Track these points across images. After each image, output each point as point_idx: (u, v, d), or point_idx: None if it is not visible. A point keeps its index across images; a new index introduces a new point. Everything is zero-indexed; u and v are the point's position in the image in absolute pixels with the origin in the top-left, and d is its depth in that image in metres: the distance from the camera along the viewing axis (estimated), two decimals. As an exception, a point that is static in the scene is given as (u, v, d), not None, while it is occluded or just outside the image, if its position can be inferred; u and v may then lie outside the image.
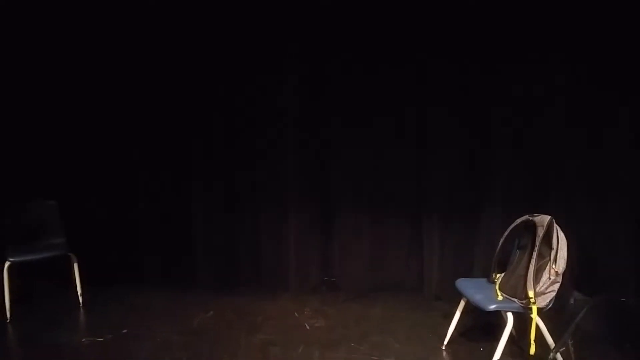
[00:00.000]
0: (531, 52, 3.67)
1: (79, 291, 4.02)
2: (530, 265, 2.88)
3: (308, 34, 4.05)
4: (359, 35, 3.99)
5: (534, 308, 2.80)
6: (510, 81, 3.77)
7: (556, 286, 2.84)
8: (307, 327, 3.66)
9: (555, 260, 2.82)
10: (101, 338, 3.48)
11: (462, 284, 3.20)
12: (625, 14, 3.41)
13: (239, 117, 4.26)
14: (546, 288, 2.84)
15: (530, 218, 2.99)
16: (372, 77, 4.04)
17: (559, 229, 2.88)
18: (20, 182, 4.29)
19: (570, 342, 2.75)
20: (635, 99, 3.47)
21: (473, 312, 3.21)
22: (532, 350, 2.78)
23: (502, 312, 3.05)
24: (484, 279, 3.23)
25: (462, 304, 3.21)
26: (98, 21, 4.21)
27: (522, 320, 2.96)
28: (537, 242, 2.88)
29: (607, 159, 3.60)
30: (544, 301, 2.84)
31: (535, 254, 2.88)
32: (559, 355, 2.79)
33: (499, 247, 3.10)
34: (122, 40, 4.23)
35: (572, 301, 3.48)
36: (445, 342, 3.31)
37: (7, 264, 3.75)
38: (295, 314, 3.87)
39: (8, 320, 3.74)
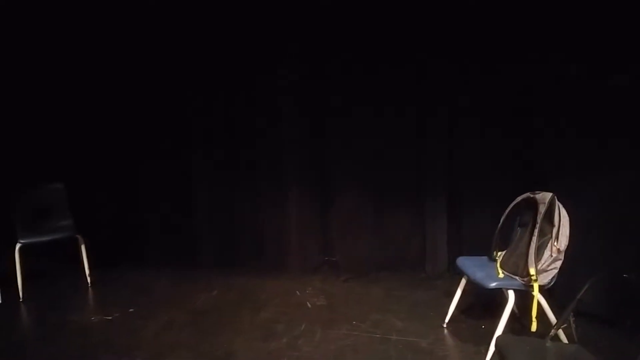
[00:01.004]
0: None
1: (87, 272, 4.11)
2: (532, 243, 2.84)
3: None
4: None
5: (536, 285, 2.77)
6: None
7: (558, 264, 2.81)
8: (309, 305, 3.69)
9: (557, 238, 2.79)
10: (109, 317, 3.57)
11: (463, 262, 3.18)
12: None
13: (240, 97, 4.28)
14: (548, 265, 2.80)
15: (532, 195, 2.94)
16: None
17: (561, 206, 2.83)
18: (29, 166, 4.37)
19: (572, 319, 2.72)
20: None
21: (474, 290, 3.20)
22: (534, 328, 2.76)
23: (504, 290, 3.03)
24: (485, 257, 3.18)
25: (463, 282, 3.20)
26: (105, 14, 4.26)
27: (524, 298, 2.93)
28: (539, 220, 2.83)
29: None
30: (546, 279, 2.81)
31: (536, 231, 2.83)
32: (560, 332, 2.77)
33: (499, 224, 3.07)
34: (128, 29, 4.29)
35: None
36: (447, 320, 3.31)
37: (18, 246, 3.84)
38: (297, 293, 3.90)
39: (21, 300, 3.84)
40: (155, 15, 4.20)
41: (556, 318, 2.89)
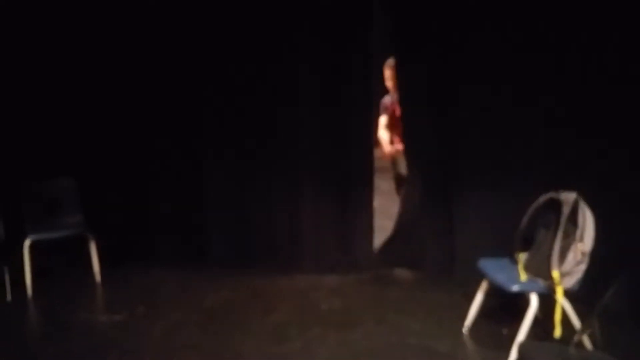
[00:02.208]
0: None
1: (96, 269, 4.06)
2: (555, 245, 2.76)
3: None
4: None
5: (559, 289, 2.69)
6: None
7: (583, 266, 2.72)
8: (323, 307, 3.60)
9: (581, 239, 2.70)
10: (117, 316, 3.52)
11: (485, 263, 3.09)
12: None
13: (249, 89, 4.21)
14: (572, 268, 2.72)
15: (555, 195, 2.86)
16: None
17: (585, 206, 2.75)
18: (39, 162, 4.35)
19: (597, 324, 2.64)
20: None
21: (496, 293, 3.10)
22: (558, 333, 2.68)
23: (526, 293, 2.94)
24: (507, 259, 3.10)
25: (484, 284, 3.11)
26: (114, 9, 4.26)
27: (547, 301, 2.83)
28: (562, 221, 2.75)
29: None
30: (570, 282, 2.72)
31: (560, 232, 2.75)
32: (585, 338, 2.68)
33: (522, 225, 2.99)
34: (138, 26, 4.28)
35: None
36: (467, 324, 3.21)
37: (27, 242, 3.79)
38: (311, 294, 3.81)
39: (30, 298, 3.80)
40: (163, 7, 4.19)
41: (581, 323, 2.81)
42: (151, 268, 4.34)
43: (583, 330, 2.68)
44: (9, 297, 3.75)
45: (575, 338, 2.56)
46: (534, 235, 3.02)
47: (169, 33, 4.23)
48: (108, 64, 4.38)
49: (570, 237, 2.74)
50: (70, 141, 4.48)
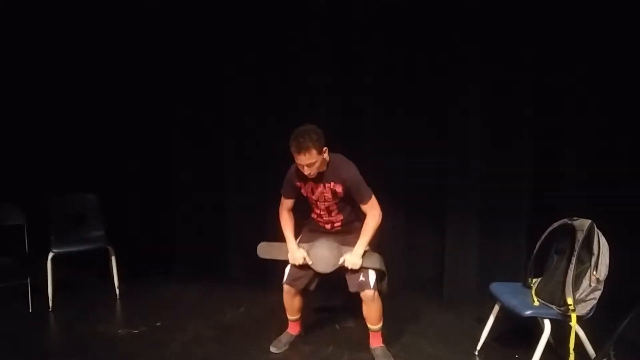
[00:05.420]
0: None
1: (116, 283, 4.13)
2: (569, 271, 2.75)
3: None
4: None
5: (573, 316, 2.68)
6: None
7: (597, 294, 2.72)
8: (337, 327, 3.62)
9: (596, 267, 2.70)
10: (136, 330, 3.57)
11: (497, 288, 3.10)
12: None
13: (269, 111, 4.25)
14: (586, 295, 2.71)
15: (569, 222, 2.86)
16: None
17: (600, 233, 2.74)
18: (63, 177, 4.47)
19: (612, 353, 2.62)
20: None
21: (508, 317, 3.10)
22: (572, 361, 2.65)
23: (539, 319, 2.93)
24: (519, 284, 3.12)
25: (496, 308, 3.11)
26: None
27: (560, 328, 2.83)
28: (577, 247, 2.75)
29: None
30: (585, 309, 2.72)
31: (574, 259, 2.74)
32: (600, 366, 2.67)
33: (535, 250, 3.00)
34: (168, 44, 4.37)
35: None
36: (479, 347, 3.20)
37: (50, 255, 3.88)
38: (326, 313, 3.82)
39: (50, 310, 3.88)
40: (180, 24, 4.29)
41: (595, 351, 2.80)
42: (170, 283, 4.42)
43: (598, 358, 2.66)
44: (30, 309, 3.85)
45: (592, 367, 2.55)
46: (547, 261, 3.03)
47: (192, 48, 4.32)
48: (129, 83, 4.52)
49: (585, 264, 2.74)
50: (93, 158, 4.60)
